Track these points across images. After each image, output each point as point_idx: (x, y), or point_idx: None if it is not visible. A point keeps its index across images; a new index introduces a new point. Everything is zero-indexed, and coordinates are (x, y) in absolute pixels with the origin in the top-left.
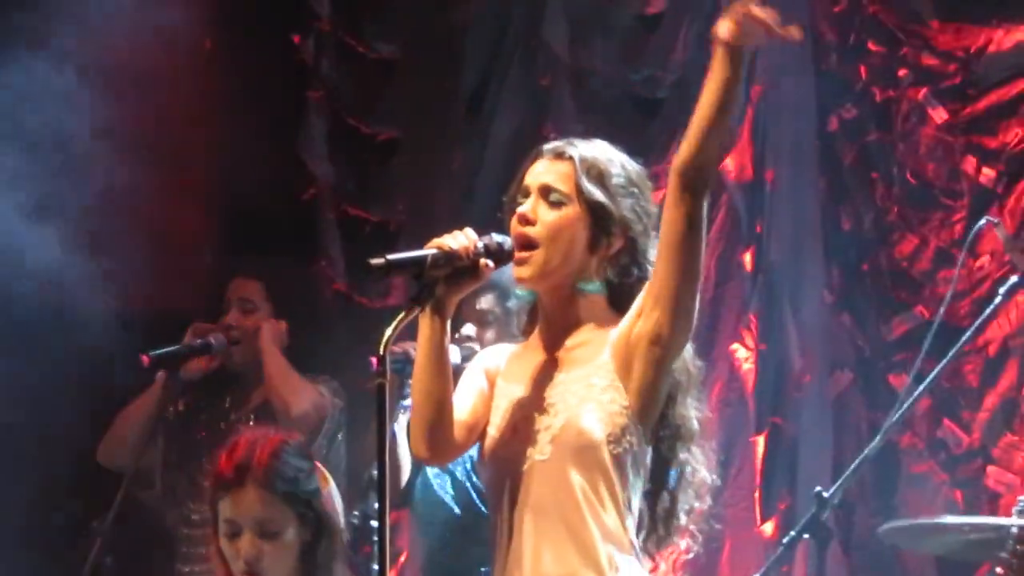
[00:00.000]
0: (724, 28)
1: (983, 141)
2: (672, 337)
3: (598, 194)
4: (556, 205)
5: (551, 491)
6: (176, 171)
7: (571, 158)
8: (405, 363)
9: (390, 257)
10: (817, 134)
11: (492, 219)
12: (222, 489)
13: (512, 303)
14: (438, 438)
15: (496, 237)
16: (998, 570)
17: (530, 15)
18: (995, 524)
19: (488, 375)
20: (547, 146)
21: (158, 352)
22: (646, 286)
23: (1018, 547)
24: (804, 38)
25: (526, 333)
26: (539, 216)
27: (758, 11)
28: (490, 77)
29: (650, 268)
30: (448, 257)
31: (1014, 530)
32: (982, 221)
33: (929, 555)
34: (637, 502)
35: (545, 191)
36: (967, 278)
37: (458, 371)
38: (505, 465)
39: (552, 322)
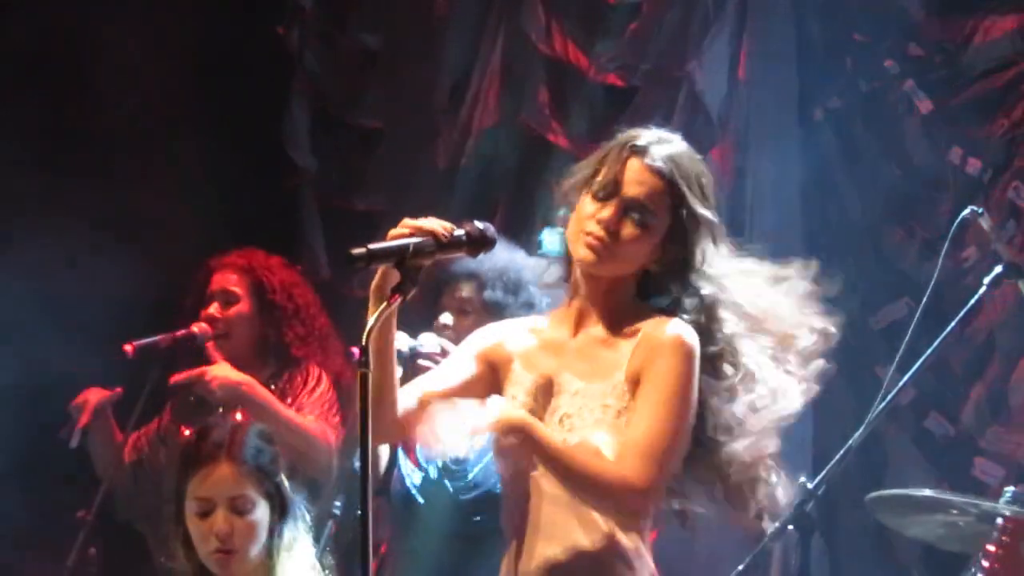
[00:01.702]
0: None
1: (969, 132)
2: None
3: (685, 224)
4: (641, 226)
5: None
6: (160, 162)
7: (667, 177)
8: None
9: (371, 247)
10: (802, 125)
11: (473, 209)
12: (193, 467)
13: (492, 293)
14: (377, 420)
15: (478, 223)
16: (983, 563)
17: (510, 5)
18: (980, 506)
19: (488, 358)
20: (644, 143)
21: (141, 342)
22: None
23: (1003, 539)
24: (787, 28)
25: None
26: (621, 233)
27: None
28: (471, 67)
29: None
30: (427, 245)
31: (999, 521)
32: (966, 211)
33: (914, 546)
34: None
35: (633, 206)
36: (952, 269)
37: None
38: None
39: (586, 304)
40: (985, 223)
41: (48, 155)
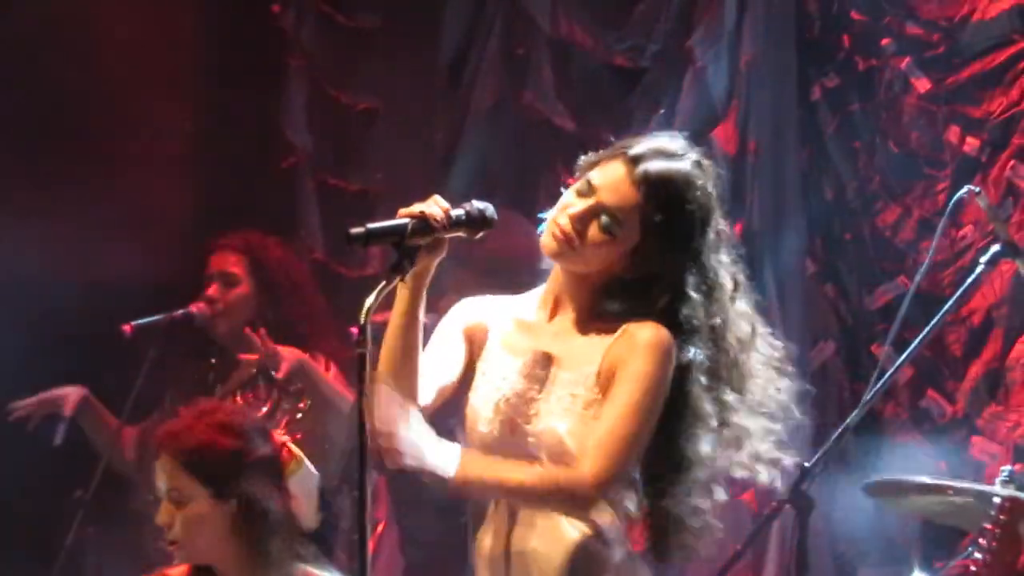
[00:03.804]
0: None
1: (967, 110)
2: None
3: (658, 243)
4: (607, 232)
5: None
6: (155, 141)
7: (644, 194)
8: None
9: (370, 226)
10: (799, 103)
11: (471, 188)
12: (155, 457)
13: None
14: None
15: (477, 204)
16: (981, 541)
17: None
18: (978, 490)
19: (470, 332)
20: (640, 152)
21: (139, 322)
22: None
23: (1001, 518)
24: (788, 6)
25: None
26: (587, 233)
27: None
28: (470, 47)
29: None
30: (425, 224)
31: (997, 500)
32: (963, 190)
33: (912, 526)
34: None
35: (603, 212)
36: (949, 248)
37: None
38: (488, 442)
39: (561, 292)
40: (982, 202)
41: (42, 135)
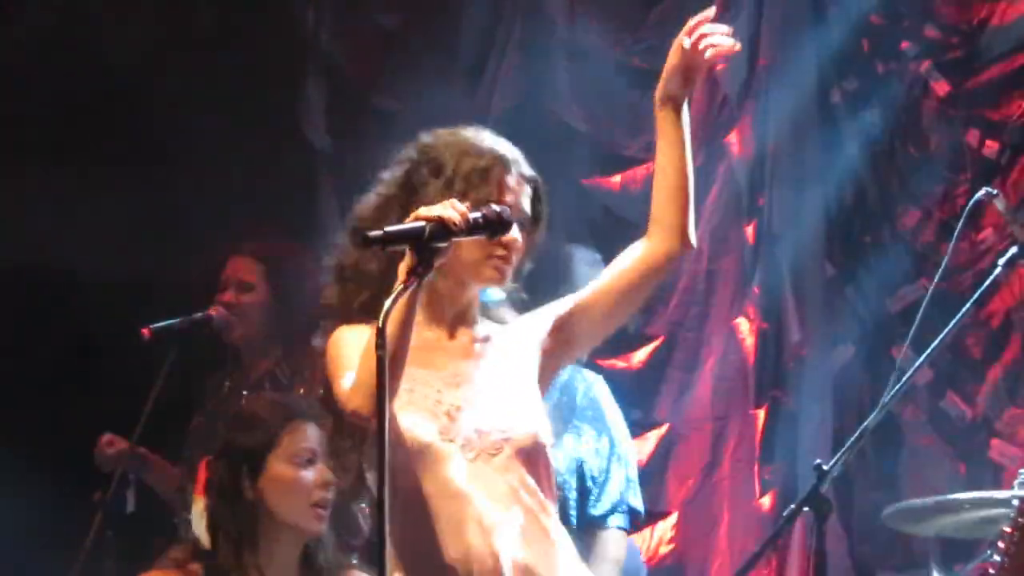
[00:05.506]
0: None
1: (986, 114)
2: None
3: (540, 216)
4: (523, 232)
5: (496, 477)
6: (175, 144)
7: (527, 179)
8: None
9: (388, 229)
10: (818, 106)
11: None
12: (290, 419)
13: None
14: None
15: (494, 207)
16: (999, 543)
17: None
18: (999, 498)
19: None
20: (508, 155)
21: (158, 325)
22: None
23: (1020, 519)
24: (805, 10)
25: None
26: (521, 245)
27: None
28: (490, 49)
29: None
30: (443, 227)
31: (1015, 503)
32: (980, 192)
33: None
34: None
35: (524, 219)
36: (969, 251)
37: None
38: (427, 452)
39: (452, 312)
40: (1000, 204)
41: (62, 137)
